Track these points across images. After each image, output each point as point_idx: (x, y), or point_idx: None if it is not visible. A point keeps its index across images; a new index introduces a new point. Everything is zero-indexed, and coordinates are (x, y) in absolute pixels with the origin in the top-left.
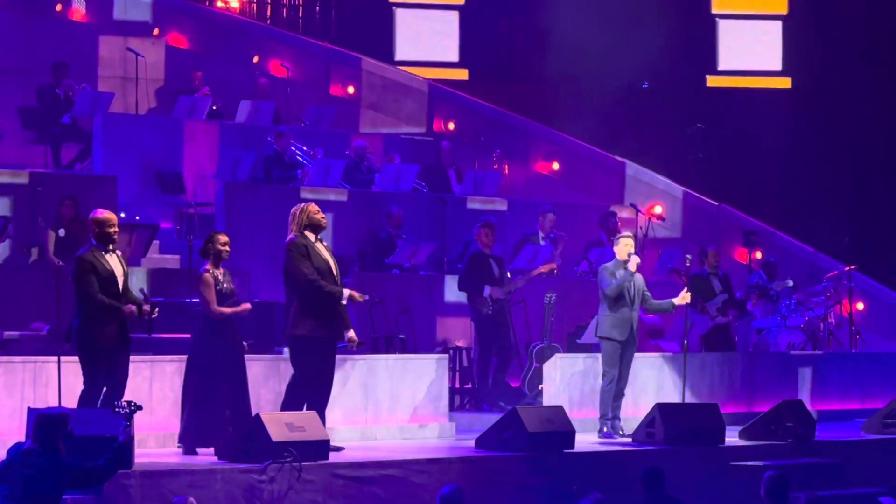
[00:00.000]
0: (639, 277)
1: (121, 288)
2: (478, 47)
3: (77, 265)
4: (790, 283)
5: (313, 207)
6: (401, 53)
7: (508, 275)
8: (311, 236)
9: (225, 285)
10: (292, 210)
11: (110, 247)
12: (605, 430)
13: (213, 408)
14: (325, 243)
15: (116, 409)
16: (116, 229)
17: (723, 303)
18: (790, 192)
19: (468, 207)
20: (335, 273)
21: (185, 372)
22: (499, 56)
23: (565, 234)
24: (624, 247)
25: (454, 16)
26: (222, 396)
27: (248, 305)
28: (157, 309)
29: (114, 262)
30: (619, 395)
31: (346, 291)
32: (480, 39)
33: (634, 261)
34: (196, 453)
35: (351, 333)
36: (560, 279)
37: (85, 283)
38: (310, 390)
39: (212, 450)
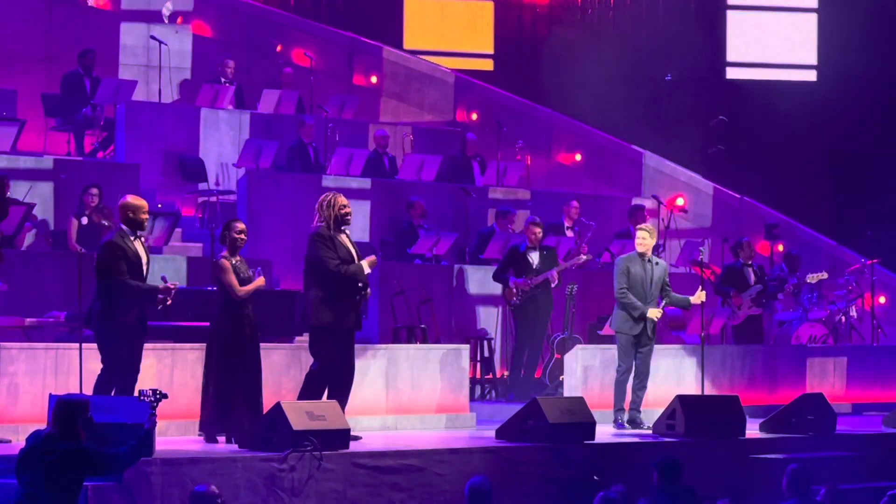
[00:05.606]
0: (659, 270)
1: (145, 274)
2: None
3: (107, 250)
4: (825, 275)
5: (342, 200)
6: (425, 43)
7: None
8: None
9: (241, 273)
10: (320, 199)
11: (138, 233)
12: (619, 420)
13: (234, 395)
14: (347, 232)
15: (142, 397)
16: (147, 216)
17: (757, 293)
18: (812, 184)
19: (490, 198)
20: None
21: (206, 360)
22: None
23: (594, 223)
24: (638, 239)
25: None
26: (241, 384)
27: (262, 279)
28: (173, 292)
29: (139, 247)
30: (640, 388)
31: (365, 263)
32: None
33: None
34: (217, 441)
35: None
36: (581, 270)
37: (116, 269)
38: (329, 381)
39: (232, 438)
